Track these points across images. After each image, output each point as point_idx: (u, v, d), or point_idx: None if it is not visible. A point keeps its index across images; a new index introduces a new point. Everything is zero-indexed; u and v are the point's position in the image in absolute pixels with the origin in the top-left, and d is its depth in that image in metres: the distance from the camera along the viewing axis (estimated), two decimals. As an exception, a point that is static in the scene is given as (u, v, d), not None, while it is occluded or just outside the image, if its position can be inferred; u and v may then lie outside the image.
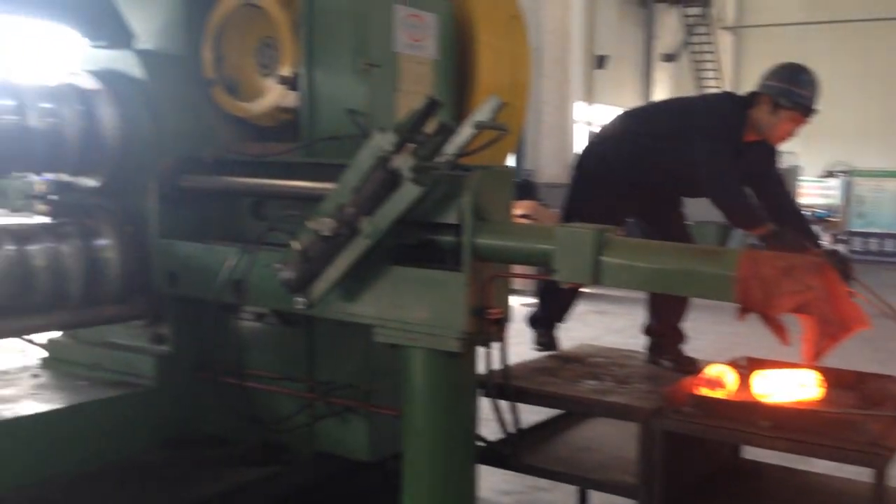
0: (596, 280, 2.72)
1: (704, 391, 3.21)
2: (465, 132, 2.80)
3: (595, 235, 2.71)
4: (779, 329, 2.70)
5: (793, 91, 4.11)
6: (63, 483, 3.21)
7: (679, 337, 4.38)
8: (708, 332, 8.08)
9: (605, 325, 10.13)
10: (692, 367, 3.99)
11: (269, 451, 3.55)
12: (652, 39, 23.88)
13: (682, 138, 4.19)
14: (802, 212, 4.69)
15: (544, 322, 4.44)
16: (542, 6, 16.40)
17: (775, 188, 4.38)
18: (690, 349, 4.40)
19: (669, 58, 24.18)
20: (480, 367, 3.10)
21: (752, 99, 4.23)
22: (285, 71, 3.62)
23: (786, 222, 4.16)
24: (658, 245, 2.93)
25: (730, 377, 3.31)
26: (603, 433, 3.85)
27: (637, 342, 4.61)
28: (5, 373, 3.79)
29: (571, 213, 4.45)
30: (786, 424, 2.95)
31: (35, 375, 3.74)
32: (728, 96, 4.64)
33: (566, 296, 4.44)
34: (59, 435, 3.26)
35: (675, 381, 3.50)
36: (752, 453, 3.53)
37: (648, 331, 4.42)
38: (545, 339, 4.38)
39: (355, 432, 3.49)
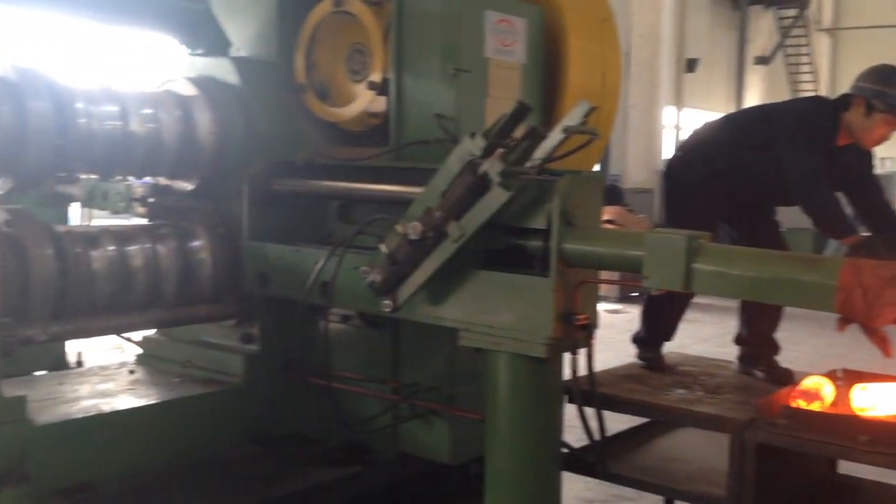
0: (687, 287, 2.66)
1: (800, 403, 3.11)
2: (554, 137, 2.78)
3: (687, 241, 2.65)
4: (881, 340, 2.59)
5: (887, 93, 3.97)
6: (155, 476, 3.31)
7: (773, 347, 4.25)
8: (804, 343, 7.85)
9: (693, 334, 9.90)
10: (787, 378, 3.87)
11: (353, 451, 3.59)
12: (745, 42, 23.35)
13: (771, 145, 4.08)
14: None
15: (648, 341, 4.34)
16: (632, 9, 16.21)
17: (871, 194, 4.22)
18: (785, 360, 4.27)
19: (763, 61, 23.59)
20: (566, 373, 3.07)
21: (844, 101, 4.09)
22: (375, 76, 3.66)
23: (882, 229, 4.00)
24: (754, 252, 2.85)
25: (827, 389, 3.21)
26: (691, 444, 3.77)
27: (726, 351, 4.49)
28: (105, 368, 3.93)
29: (666, 223, 4.37)
30: (884, 439, 2.84)
31: (131, 371, 3.87)
32: (818, 100, 4.48)
33: (671, 313, 4.34)
34: (152, 429, 3.36)
35: (768, 392, 3.41)
36: (848, 468, 3.41)
37: (740, 340, 4.31)
38: (649, 355, 4.23)
39: (438, 435, 3.50)
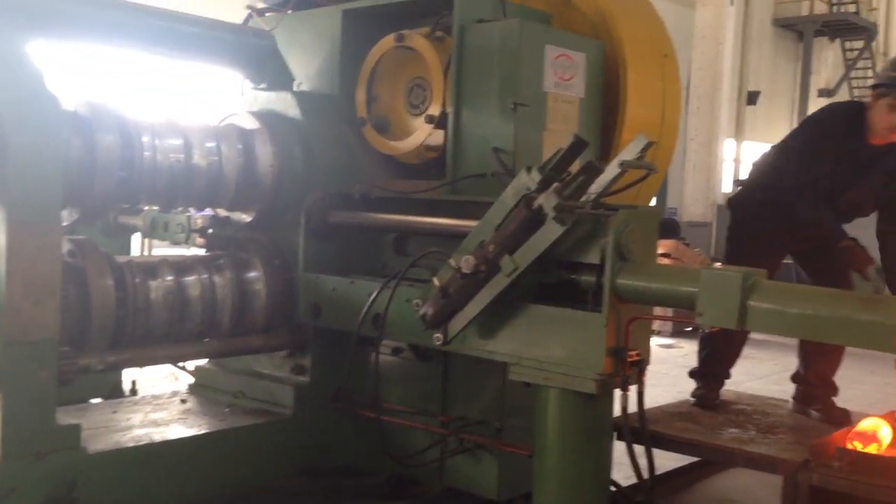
0: (742, 325, 2.62)
1: (856, 445, 3.03)
2: (610, 171, 2.77)
3: (742, 278, 2.62)
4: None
5: (889, 75, 3.85)
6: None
7: (831, 387, 4.15)
8: (862, 382, 7.61)
9: (747, 371, 9.64)
10: (843, 419, 3.78)
11: (400, 485, 3.58)
12: (808, 74, 23.03)
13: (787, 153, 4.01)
14: None
15: (703, 376, 4.26)
16: (692, 42, 16.10)
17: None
18: (842, 399, 4.16)
19: (827, 93, 23.24)
20: (616, 410, 3.04)
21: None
22: (434, 110, 3.70)
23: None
24: (811, 290, 2.81)
25: (884, 431, 3.12)
26: (743, 484, 3.70)
27: (784, 389, 4.40)
28: (158, 397, 3.98)
29: (727, 259, 4.31)
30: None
31: (183, 401, 3.91)
32: (840, 104, 4.36)
33: (727, 348, 4.26)
34: (202, 459, 3.40)
35: (824, 433, 3.33)
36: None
37: (797, 378, 4.21)
38: (700, 392, 4.12)
39: (486, 470, 3.48)
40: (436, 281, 3.01)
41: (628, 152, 2.80)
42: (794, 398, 4.13)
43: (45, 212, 2.87)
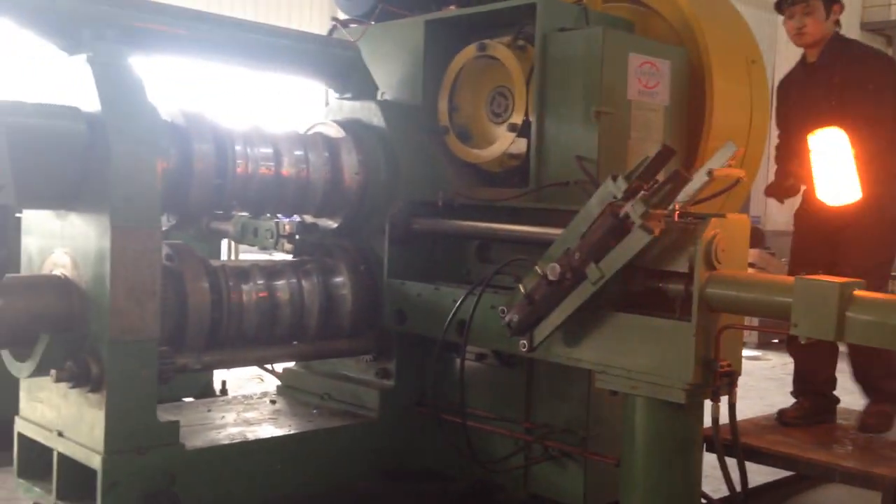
0: (840, 336, 2.55)
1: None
2: (698, 179, 2.74)
3: (841, 289, 2.55)
4: None
5: None
6: (291, 502, 3.40)
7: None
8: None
9: (840, 385, 9.41)
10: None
11: (484, 490, 3.59)
12: (904, 75, 22.28)
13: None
14: None
15: (798, 391, 4.14)
16: (776, 48, 15.77)
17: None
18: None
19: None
20: (706, 421, 3.00)
21: None
22: (516, 118, 3.71)
23: None
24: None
25: None
26: (838, 499, 3.60)
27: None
28: (248, 397, 4.11)
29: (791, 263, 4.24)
30: None
31: (273, 402, 4.02)
32: None
33: (820, 362, 4.13)
34: (291, 458, 3.48)
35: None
36: None
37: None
38: (794, 410, 3.98)
39: (571, 478, 3.46)
40: (521, 288, 3.02)
41: (716, 160, 2.76)
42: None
43: (145, 217, 2.98)
